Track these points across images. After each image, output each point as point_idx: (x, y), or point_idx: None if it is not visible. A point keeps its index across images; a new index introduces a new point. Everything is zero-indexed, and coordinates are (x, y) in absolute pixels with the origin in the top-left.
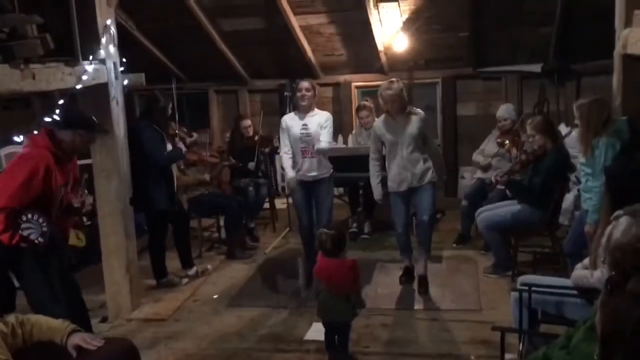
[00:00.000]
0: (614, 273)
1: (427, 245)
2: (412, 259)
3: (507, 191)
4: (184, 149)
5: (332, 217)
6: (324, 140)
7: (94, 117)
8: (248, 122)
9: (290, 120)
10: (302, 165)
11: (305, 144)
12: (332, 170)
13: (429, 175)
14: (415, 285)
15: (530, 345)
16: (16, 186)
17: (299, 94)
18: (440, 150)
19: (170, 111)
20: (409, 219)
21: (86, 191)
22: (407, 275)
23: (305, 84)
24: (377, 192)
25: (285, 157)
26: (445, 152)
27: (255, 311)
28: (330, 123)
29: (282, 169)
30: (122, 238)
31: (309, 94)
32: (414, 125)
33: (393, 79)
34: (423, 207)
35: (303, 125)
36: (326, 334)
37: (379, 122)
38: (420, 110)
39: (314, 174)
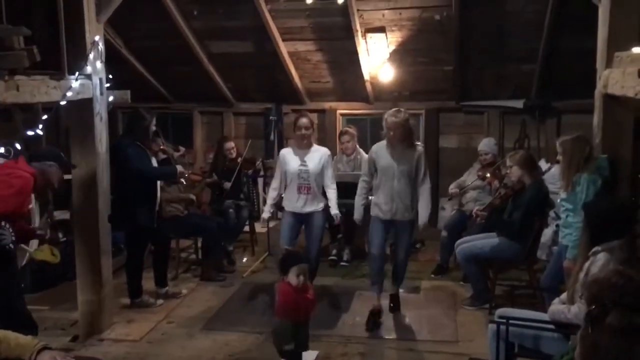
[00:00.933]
0: (593, 307)
1: (401, 276)
2: (381, 293)
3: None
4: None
5: (321, 249)
6: (331, 189)
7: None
8: (231, 144)
9: (289, 155)
10: (297, 201)
11: (303, 180)
12: (324, 204)
13: (412, 212)
14: (381, 318)
15: None
16: (12, 194)
17: (298, 133)
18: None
19: (154, 128)
20: (388, 246)
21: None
22: (375, 317)
23: (304, 121)
24: (358, 212)
25: (271, 193)
26: None
27: (231, 335)
28: (330, 163)
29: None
30: (98, 256)
31: (308, 132)
32: (411, 159)
33: (401, 109)
34: (401, 246)
35: (302, 161)
36: None
37: (377, 146)
38: (421, 145)
39: (308, 209)
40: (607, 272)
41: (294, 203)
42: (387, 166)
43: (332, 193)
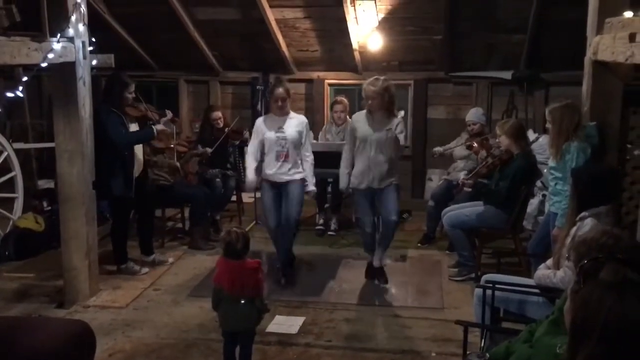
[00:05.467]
0: (586, 261)
1: (387, 244)
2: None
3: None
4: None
5: (301, 214)
6: (307, 160)
7: None
8: (219, 113)
9: (265, 124)
10: (276, 169)
11: (281, 148)
12: (304, 175)
13: (391, 179)
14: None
15: (491, 341)
16: None
17: (274, 104)
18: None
19: (133, 95)
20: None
21: None
22: (372, 270)
23: (280, 91)
24: (343, 180)
25: (249, 159)
26: (414, 154)
27: None
28: (308, 131)
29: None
30: (83, 223)
31: (284, 103)
32: (389, 128)
33: (380, 77)
34: (389, 209)
35: (279, 128)
36: (225, 345)
37: (358, 115)
38: (401, 114)
39: (286, 178)
40: (595, 232)
41: (273, 171)
42: (364, 134)
43: (307, 165)
